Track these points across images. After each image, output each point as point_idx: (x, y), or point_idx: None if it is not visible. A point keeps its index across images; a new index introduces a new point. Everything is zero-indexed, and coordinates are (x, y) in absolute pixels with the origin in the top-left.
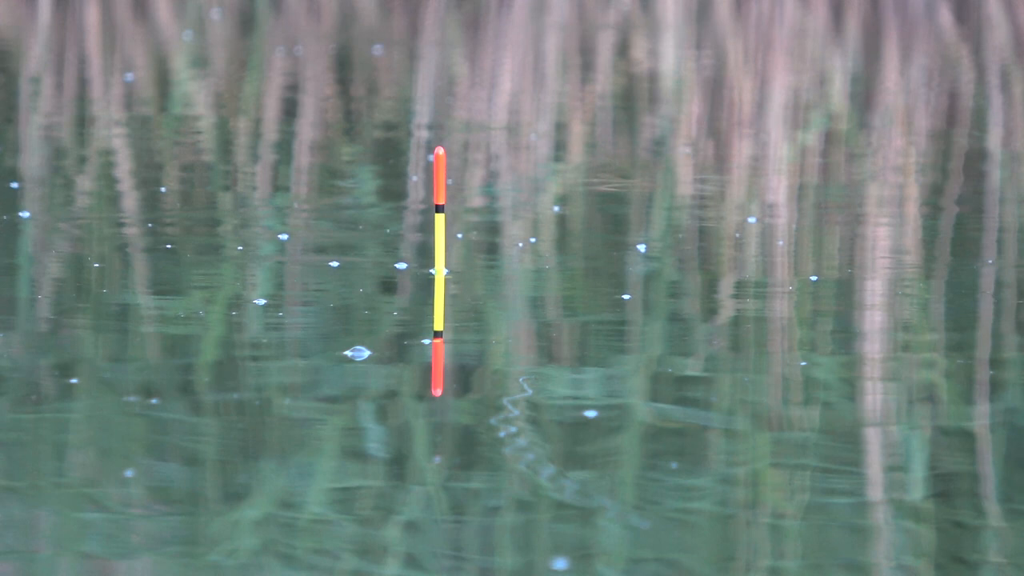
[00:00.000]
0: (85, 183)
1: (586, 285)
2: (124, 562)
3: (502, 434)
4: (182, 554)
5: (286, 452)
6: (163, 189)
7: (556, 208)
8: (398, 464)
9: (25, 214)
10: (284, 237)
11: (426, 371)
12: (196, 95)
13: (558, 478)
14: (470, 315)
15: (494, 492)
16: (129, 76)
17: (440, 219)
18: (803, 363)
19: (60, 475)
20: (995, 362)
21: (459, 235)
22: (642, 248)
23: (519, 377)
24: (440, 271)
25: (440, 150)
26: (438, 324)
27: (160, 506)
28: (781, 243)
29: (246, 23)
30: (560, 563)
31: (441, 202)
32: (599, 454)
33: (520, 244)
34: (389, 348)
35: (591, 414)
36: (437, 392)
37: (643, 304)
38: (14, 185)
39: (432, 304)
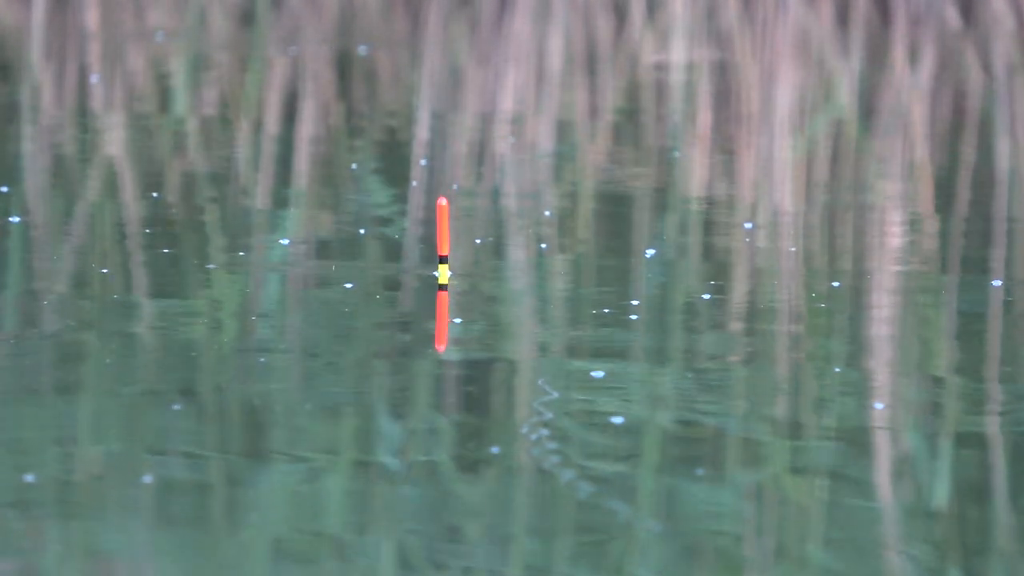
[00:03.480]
0: (81, 186)
1: (594, 288)
2: (128, 568)
3: (525, 436)
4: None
5: (297, 453)
6: (155, 195)
7: (559, 211)
8: (407, 461)
9: (15, 219)
10: (285, 241)
11: (464, 376)
12: (193, 95)
13: (577, 481)
14: (480, 319)
15: (510, 494)
16: (94, 77)
17: (443, 270)
18: (816, 369)
19: (64, 479)
20: (1007, 366)
21: (477, 240)
22: (650, 253)
23: (537, 380)
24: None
25: (443, 200)
26: (443, 278)
27: (170, 510)
28: (792, 249)
29: (246, 21)
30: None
31: (444, 253)
32: (614, 459)
33: (525, 249)
34: (397, 354)
35: (618, 420)
36: (441, 347)
37: (651, 307)
38: (3, 189)
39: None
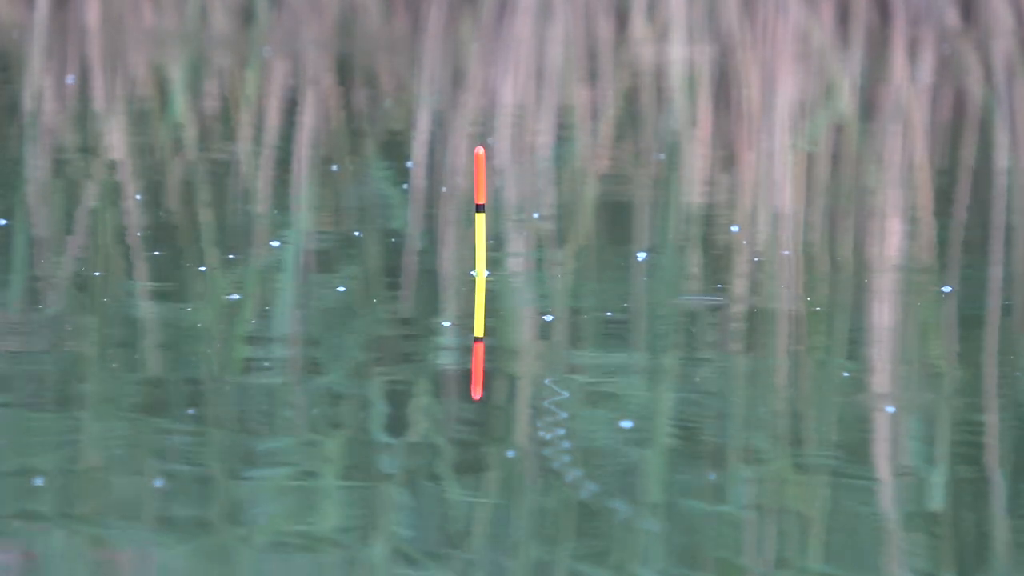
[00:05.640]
0: (80, 186)
1: (594, 289)
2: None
3: (531, 435)
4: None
5: (300, 444)
6: (154, 194)
7: (559, 211)
8: (418, 461)
9: (2, 221)
10: (275, 244)
11: (465, 375)
12: (192, 95)
13: (581, 481)
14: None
15: (515, 494)
16: (70, 78)
17: (480, 219)
18: (817, 370)
19: (67, 482)
20: (1007, 366)
21: (490, 241)
22: (641, 256)
23: (545, 380)
24: (481, 273)
25: (480, 149)
26: (478, 330)
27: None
28: (792, 250)
29: (246, 21)
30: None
31: (481, 201)
32: (618, 459)
33: (525, 248)
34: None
35: (627, 424)
36: (477, 395)
37: (647, 311)
38: None
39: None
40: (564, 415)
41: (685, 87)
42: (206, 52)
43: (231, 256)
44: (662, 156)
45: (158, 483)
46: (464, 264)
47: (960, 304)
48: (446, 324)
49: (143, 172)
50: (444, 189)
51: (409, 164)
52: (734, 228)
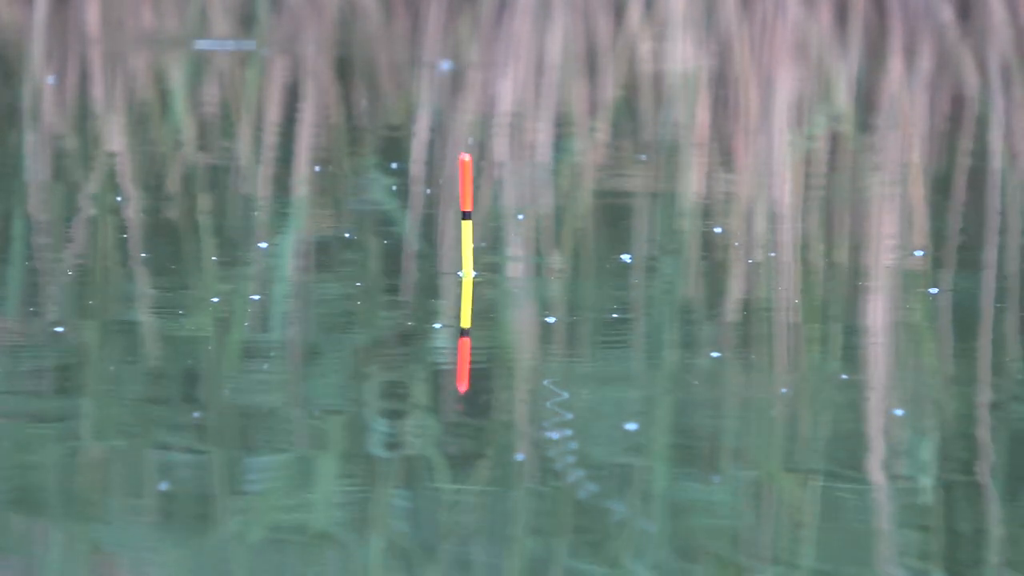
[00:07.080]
0: (80, 187)
1: (591, 289)
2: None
3: (529, 436)
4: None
5: (299, 455)
6: (154, 196)
7: (557, 211)
8: (413, 460)
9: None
10: (274, 245)
11: (451, 368)
12: (193, 96)
13: (581, 482)
14: (480, 319)
15: (511, 492)
16: (51, 79)
17: (467, 226)
18: (814, 368)
19: (66, 478)
20: (999, 365)
21: (482, 243)
22: (627, 258)
23: (543, 380)
24: (468, 273)
25: (466, 156)
26: (465, 321)
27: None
28: (790, 247)
29: (246, 21)
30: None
31: (468, 209)
32: (616, 458)
33: (523, 249)
34: (409, 344)
35: (632, 427)
36: (462, 388)
37: (649, 308)
38: None
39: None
40: (567, 416)
41: (683, 87)
42: (206, 53)
43: (229, 257)
44: (660, 155)
45: (161, 487)
46: (458, 267)
47: (956, 305)
48: (438, 326)
49: (142, 173)
50: (441, 190)
51: (407, 165)
52: (717, 229)
